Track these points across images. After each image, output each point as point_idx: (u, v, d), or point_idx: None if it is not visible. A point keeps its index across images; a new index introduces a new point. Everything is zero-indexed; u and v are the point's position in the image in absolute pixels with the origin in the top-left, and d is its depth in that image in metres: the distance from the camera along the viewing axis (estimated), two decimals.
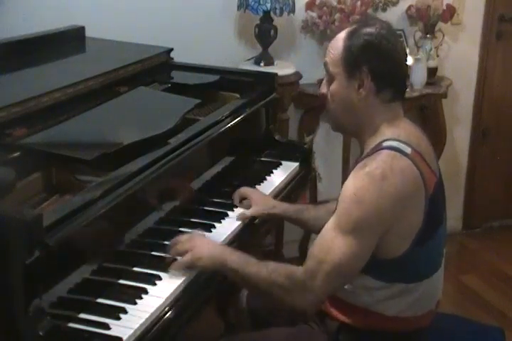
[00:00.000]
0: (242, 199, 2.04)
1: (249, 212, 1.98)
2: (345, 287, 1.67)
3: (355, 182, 1.57)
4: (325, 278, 1.56)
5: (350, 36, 1.64)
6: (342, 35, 1.66)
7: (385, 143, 1.61)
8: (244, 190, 2.06)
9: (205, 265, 1.67)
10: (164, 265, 1.67)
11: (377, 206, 1.54)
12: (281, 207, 2.04)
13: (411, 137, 1.64)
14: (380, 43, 1.62)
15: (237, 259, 1.66)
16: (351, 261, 1.56)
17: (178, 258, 1.68)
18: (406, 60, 1.73)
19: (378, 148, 1.61)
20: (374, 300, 1.67)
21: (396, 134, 1.63)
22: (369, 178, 1.55)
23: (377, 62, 1.62)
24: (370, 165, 1.57)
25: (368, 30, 1.63)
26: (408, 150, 1.59)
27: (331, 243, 1.56)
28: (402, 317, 1.68)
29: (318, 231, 1.97)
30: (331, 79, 1.68)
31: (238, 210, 2.00)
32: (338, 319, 1.74)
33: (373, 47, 1.62)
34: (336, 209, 1.61)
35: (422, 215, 1.59)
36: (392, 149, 1.59)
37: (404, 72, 1.71)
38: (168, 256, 1.69)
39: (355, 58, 1.62)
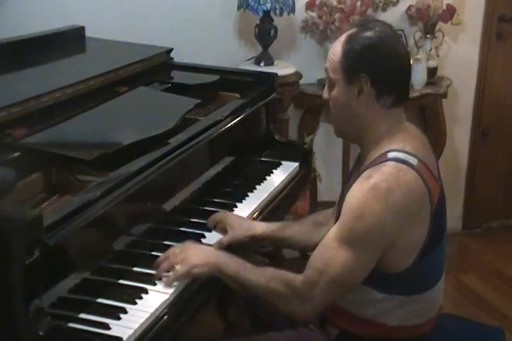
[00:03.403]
0: (217, 224, 1.89)
1: (226, 239, 1.82)
2: (350, 298, 1.65)
3: (360, 195, 1.53)
4: (324, 289, 1.55)
5: (348, 41, 1.60)
6: (341, 40, 1.62)
7: (391, 154, 1.57)
8: (218, 216, 1.90)
9: (201, 272, 1.62)
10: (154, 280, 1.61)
11: (381, 221, 1.51)
12: (260, 228, 1.90)
13: (417, 147, 1.60)
14: (378, 47, 1.58)
15: (233, 265, 1.62)
16: (351, 273, 1.54)
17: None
18: (409, 63, 1.67)
19: (383, 158, 1.57)
20: (377, 311, 1.65)
21: (401, 145, 1.58)
22: (374, 192, 1.51)
23: (377, 67, 1.59)
24: (376, 177, 1.53)
25: (367, 34, 1.59)
26: (414, 161, 1.55)
27: (332, 254, 1.54)
28: (404, 326, 1.67)
29: (301, 248, 1.95)
30: (331, 85, 1.65)
31: (215, 234, 1.87)
32: (338, 326, 1.72)
33: (371, 51, 1.58)
34: (338, 218, 1.60)
35: (426, 229, 1.57)
36: (399, 161, 1.55)
37: (406, 76, 1.67)
38: (157, 272, 1.61)
39: (354, 64, 1.59)
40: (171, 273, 1.61)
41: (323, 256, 1.56)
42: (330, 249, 1.55)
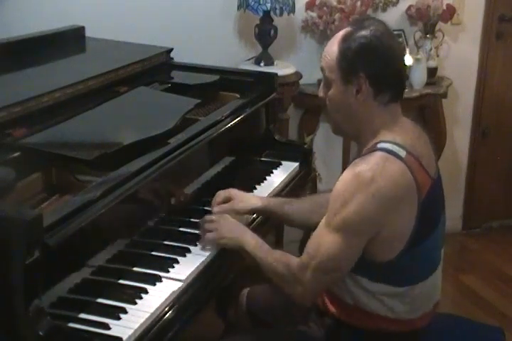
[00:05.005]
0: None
1: (222, 208, 1.89)
2: (343, 287, 1.68)
3: (344, 183, 1.57)
4: (313, 273, 1.60)
5: (344, 40, 1.60)
6: (337, 39, 1.62)
7: (380, 145, 1.59)
8: (220, 195, 1.94)
9: (226, 244, 1.77)
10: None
11: (363, 208, 1.53)
12: (260, 201, 1.95)
13: (407, 140, 1.62)
14: (375, 46, 1.58)
15: (253, 243, 1.74)
16: (337, 258, 1.58)
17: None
18: (404, 60, 1.69)
19: (373, 149, 1.60)
20: (371, 301, 1.66)
21: (392, 137, 1.61)
22: (358, 180, 1.54)
23: (374, 66, 1.59)
24: (362, 166, 1.56)
25: (363, 33, 1.59)
26: (403, 153, 1.57)
27: (321, 239, 1.59)
28: (398, 319, 1.68)
29: (298, 225, 1.98)
30: (328, 84, 1.65)
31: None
32: (336, 317, 1.74)
33: (368, 50, 1.58)
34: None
35: (413, 220, 1.59)
36: (386, 151, 1.57)
37: (402, 72, 1.67)
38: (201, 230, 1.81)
39: (351, 63, 1.59)
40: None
41: (314, 242, 1.62)
42: (320, 236, 1.60)
